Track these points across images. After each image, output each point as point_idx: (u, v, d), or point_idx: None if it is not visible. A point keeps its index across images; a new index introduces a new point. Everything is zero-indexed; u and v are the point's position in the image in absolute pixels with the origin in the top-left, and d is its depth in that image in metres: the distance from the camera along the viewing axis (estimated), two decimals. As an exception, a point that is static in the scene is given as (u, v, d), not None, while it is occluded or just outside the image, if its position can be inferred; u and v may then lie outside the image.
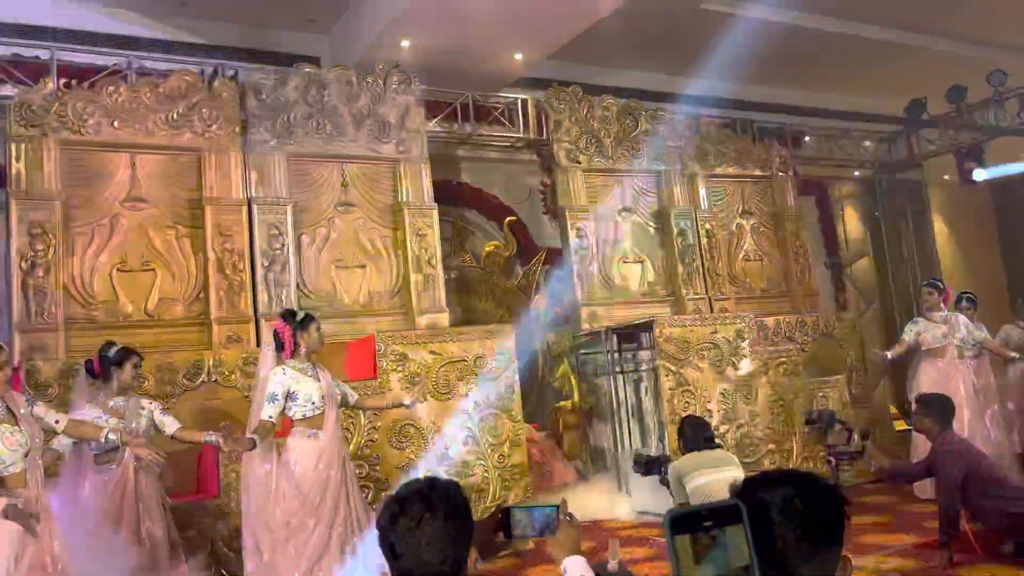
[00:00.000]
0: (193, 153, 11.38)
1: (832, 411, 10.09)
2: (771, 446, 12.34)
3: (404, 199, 12.43)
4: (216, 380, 10.19)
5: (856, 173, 17.77)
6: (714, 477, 8.04)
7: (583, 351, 14.30)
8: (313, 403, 8.05)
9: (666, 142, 15.09)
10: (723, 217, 15.56)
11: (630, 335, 13.39)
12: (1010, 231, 18.22)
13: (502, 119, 14.81)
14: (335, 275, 12.10)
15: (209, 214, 11.30)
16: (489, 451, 10.98)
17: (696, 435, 8.57)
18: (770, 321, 13.69)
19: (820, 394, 13.18)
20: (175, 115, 11.26)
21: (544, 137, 14.60)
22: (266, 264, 11.45)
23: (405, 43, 13.69)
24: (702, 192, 15.44)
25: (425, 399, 10.57)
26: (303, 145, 11.92)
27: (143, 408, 8.42)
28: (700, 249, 15.11)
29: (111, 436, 7.33)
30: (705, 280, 15.05)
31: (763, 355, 12.79)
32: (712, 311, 14.27)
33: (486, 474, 10.68)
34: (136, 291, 10.96)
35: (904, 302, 17.17)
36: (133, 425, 8.26)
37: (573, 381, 14.72)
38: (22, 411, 6.62)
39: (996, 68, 16.53)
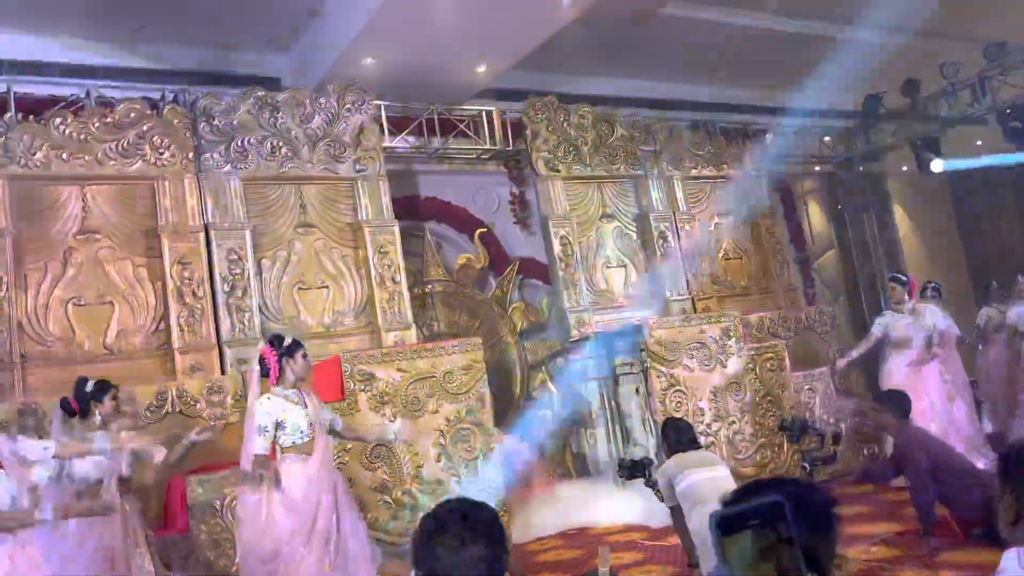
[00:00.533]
0: (146, 182, 10.35)
1: (804, 418, 9.44)
2: (762, 441, 11.40)
3: (364, 217, 11.40)
4: (181, 411, 9.31)
5: (817, 168, 16.02)
6: (703, 476, 7.31)
7: (562, 358, 13.60)
8: (301, 431, 7.27)
9: (641, 147, 14.36)
10: (701, 218, 14.75)
11: (618, 339, 12.30)
12: (968, 218, 16.75)
13: (468, 131, 13.91)
14: (298, 297, 11.03)
15: (166, 242, 10.24)
16: (463, 467, 9.91)
17: (680, 437, 7.85)
18: (754, 318, 13.15)
19: (807, 387, 12.29)
20: (125, 144, 10.21)
21: (511, 147, 13.98)
22: (227, 290, 10.39)
23: (368, 60, 12.65)
24: (679, 195, 14.58)
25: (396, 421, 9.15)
26: (258, 168, 10.86)
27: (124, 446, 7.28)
28: (681, 251, 14.24)
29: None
30: (688, 281, 14.21)
31: (750, 352, 11.88)
32: (696, 311, 13.54)
33: (461, 490, 9.54)
34: (93, 325, 9.90)
35: (871, 294, 15.79)
36: (118, 459, 7.35)
37: (554, 390, 13.81)
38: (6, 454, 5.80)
39: (949, 60, 15.73)
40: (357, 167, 11.03)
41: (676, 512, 7.11)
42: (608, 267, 13.82)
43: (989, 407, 12.10)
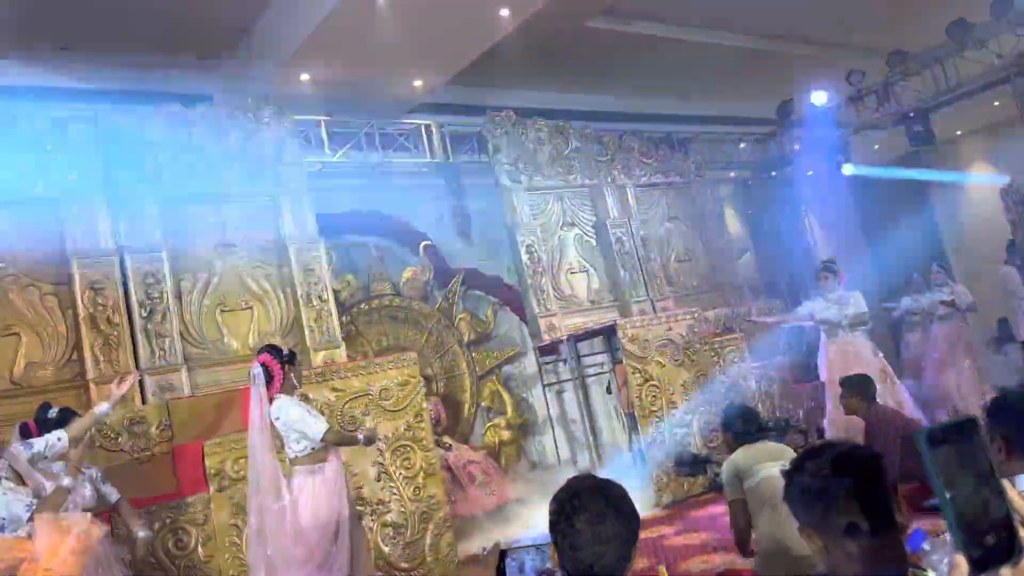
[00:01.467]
0: (51, 205, 8.19)
1: (693, 453, 9.10)
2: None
3: (287, 235, 9.44)
4: (101, 445, 7.27)
5: (732, 174, 13.85)
6: (775, 471, 5.17)
7: (509, 365, 12.38)
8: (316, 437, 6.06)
9: (595, 158, 13.02)
10: (653, 223, 13.53)
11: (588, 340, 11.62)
12: (870, 216, 16.10)
13: (408, 145, 12.17)
14: (221, 320, 8.96)
15: (76, 268, 8.11)
16: (404, 485, 7.95)
17: (747, 427, 5.94)
18: (710, 315, 12.29)
19: (765, 376, 11.26)
20: (27, 164, 8.06)
21: (450, 160, 12.28)
22: (144, 315, 8.33)
23: (304, 76, 10.95)
24: (632, 202, 13.32)
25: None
26: (174, 187, 8.82)
27: (83, 473, 5.89)
28: (637, 255, 12.94)
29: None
30: (645, 283, 12.87)
31: (713, 346, 10.96)
32: (655, 311, 12.27)
33: (403, 508, 7.87)
34: None
35: (791, 292, 13.29)
36: (79, 492, 5.63)
37: (505, 397, 12.07)
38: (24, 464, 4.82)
39: (855, 68, 14.32)
40: (278, 183, 8.61)
41: (738, 506, 5.47)
42: (571, 273, 12.54)
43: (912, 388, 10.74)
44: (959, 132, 16.04)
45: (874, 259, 14.90)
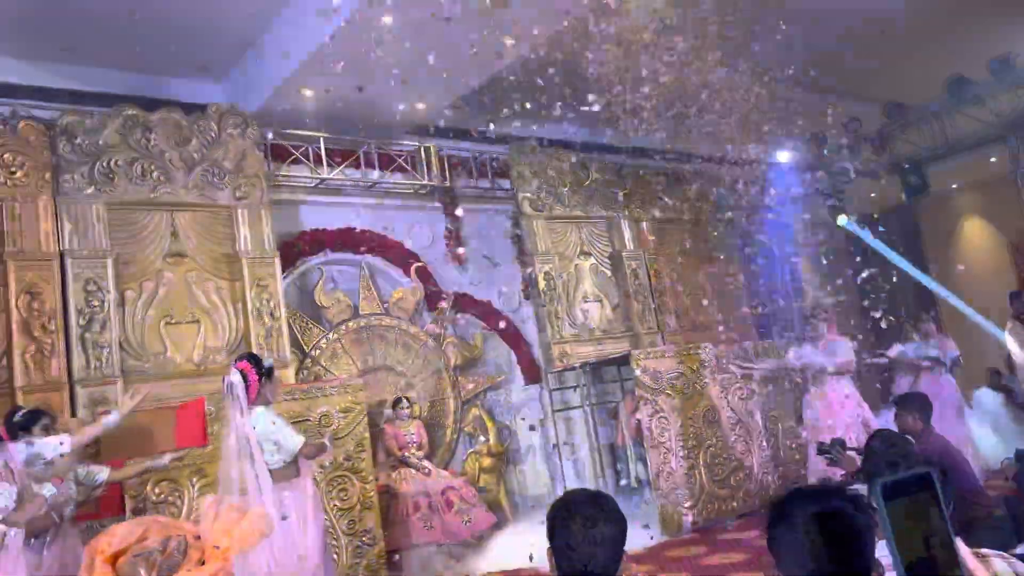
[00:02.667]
0: None
1: (841, 439, 7.05)
2: (735, 464, 9.28)
3: (243, 248, 8.29)
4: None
5: (728, 214, 12.37)
6: None
7: (494, 392, 10.93)
8: (290, 451, 5.33)
9: (613, 190, 11.92)
10: (667, 257, 12.38)
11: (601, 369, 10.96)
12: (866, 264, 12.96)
13: (406, 166, 10.84)
14: (165, 332, 7.76)
15: (12, 269, 6.97)
16: (337, 517, 6.73)
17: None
18: (720, 350, 10.45)
19: (773, 413, 9.94)
20: None
21: (447, 183, 10.92)
22: (82, 323, 7.14)
23: (307, 92, 9.42)
24: (648, 235, 12.27)
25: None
26: (126, 192, 7.72)
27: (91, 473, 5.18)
28: (651, 288, 11.94)
29: None
30: (656, 316, 11.89)
31: (722, 380, 9.70)
32: (665, 344, 11.27)
33: (335, 542, 6.63)
34: None
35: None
36: (64, 491, 4.91)
37: (489, 424, 10.54)
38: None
39: (852, 117, 13.02)
40: (237, 194, 7.31)
41: None
42: (586, 301, 11.53)
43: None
44: (954, 185, 14.66)
45: (865, 305, 13.34)
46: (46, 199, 7.11)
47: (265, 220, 8.30)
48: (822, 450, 7.74)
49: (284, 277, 9.53)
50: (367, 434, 7.17)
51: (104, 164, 7.45)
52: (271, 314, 7.98)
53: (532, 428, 10.70)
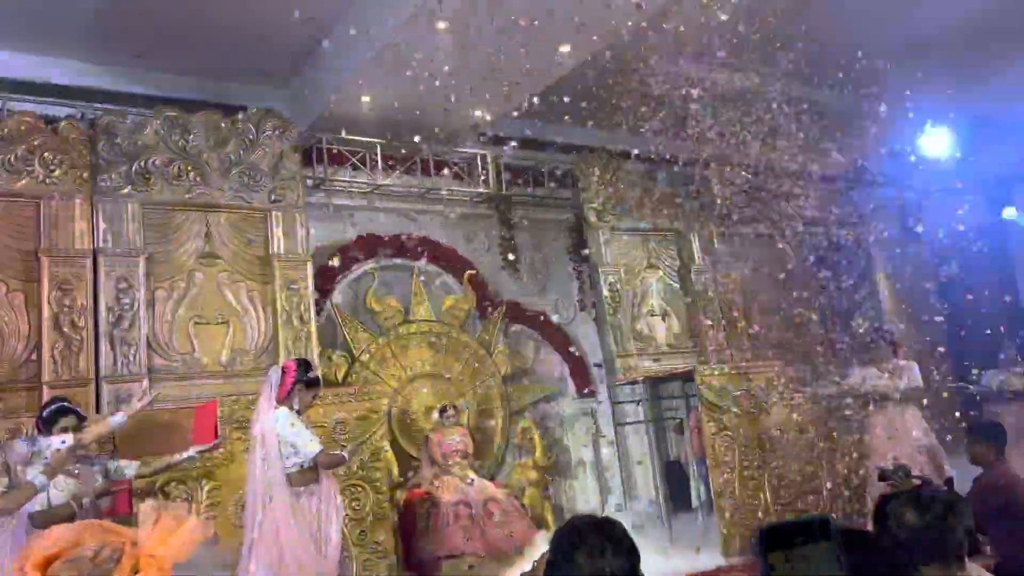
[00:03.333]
0: (31, 200, 7.14)
1: (905, 465, 5.79)
2: (801, 486, 8.90)
3: (276, 251, 8.20)
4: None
5: (800, 228, 11.95)
6: None
7: (545, 405, 10.72)
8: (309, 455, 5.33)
9: (683, 201, 11.67)
10: (738, 272, 12.03)
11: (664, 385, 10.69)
12: (952, 282, 13.32)
13: (462, 173, 10.78)
14: (194, 332, 7.71)
15: (46, 265, 7.03)
16: (348, 527, 6.49)
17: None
18: (790, 370, 10.12)
19: (837, 436, 9.37)
20: (12, 159, 7.07)
21: (504, 191, 10.82)
22: (112, 321, 7.16)
23: (366, 98, 9.33)
24: (718, 249, 11.99)
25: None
26: (162, 192, 7.73)
27: (95, 465, 5.16)
28: (720, 303, 11.63)
29: None
30: (726, 332, 11.50)
31: (790, 400, 9.38)
32: (733, 361, 10.88)
33: (345, 552, 6.37)
34: None
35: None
36: (90, 484, 5.02)
37: (536, 437, 10.08)
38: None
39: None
40: (272, 197, 7.31)
41: None
42: (652, 315, 11.33)
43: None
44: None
45: (951, 330, 12.72)
46: (83, 197, 7.17)
47: (299, 223, 8.24)
48: (884, 476, 7.43)
49: (338, 281, 9.56)
50: (384, 444, 7.06)
51: (141, 164, 7.48)
52: (301, 318, 7.93)
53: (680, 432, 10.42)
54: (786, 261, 12.38)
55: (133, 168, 7.47)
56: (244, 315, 7.85)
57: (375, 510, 6.79)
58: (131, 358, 7.04)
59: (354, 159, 9.80)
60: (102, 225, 7.20)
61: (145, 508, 3.62)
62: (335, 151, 9.66)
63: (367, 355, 9.50)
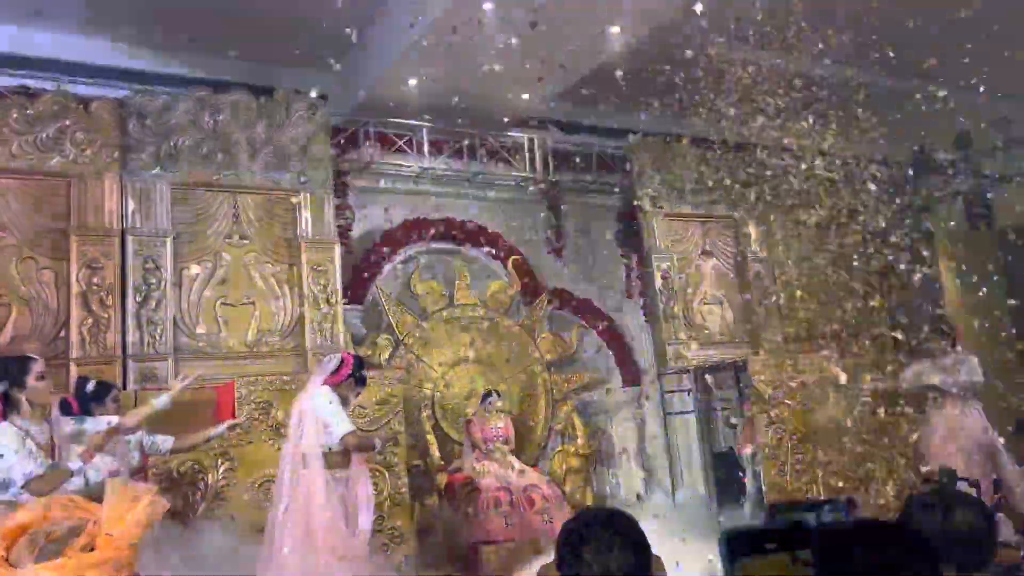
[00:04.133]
0: (61, 179, 7.10)
1: (950, 469, 6.50)
2: (857, 482, 8.24)
3: (303, 232, 8.00)
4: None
5: (862, 218, 11.36)
6: None
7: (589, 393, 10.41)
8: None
9: (741, 187, 10.79)
10: (797, 261, 11.24)
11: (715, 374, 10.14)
12: (1019, 273, 12.51)
13: (509, 158, 10.48)
14: (220, 312, 7.58)
15: (75, 244, 6.99)
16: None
17: None
18: (848, 363, 9.43)
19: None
20: (44, 137, 7.02)
21: (551, 176, 10.48)
22: (139, 300, 7.09)
23: (412, 81, 9.28)
24: (777, 236, 11.19)
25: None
26: (191, 173, 7.59)
27: (129, 440, 5.17)
28: (777, 293, 11.06)
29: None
30: (781, 322, 10.93)
31: (847, 394, 8.72)
32: (789, 353, 10.07)
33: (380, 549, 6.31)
34: None
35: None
36: (126, 461, 5.06)
37: (578, 424, 9.87)
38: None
39: (1001, 115, 11.46)
40: (301, 179, 7.14)
41: None
42: (705, 303, 10.88)
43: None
44: None
45: (1018, 325, 12.05)
46: (112, 177, 7.11)
47: (328, 205, 8.07)
48: (927, 479, 6.93)
49: (383, 265, 9.41)
50: (402, 429, 6.87)
51: (171, 145, 7.39)
52: (327, 300, 7.76)
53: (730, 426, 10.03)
54: (845, 249, 11.93)
55: (163, 148, 7.38)
56: (270, 296, 7.70)
57: (393, 496, 6.60)
58: (157, 337, 6.96)
59: (400, 142, 9.62)
60: (131, 204, 7.13)
61: (111, 485, 3.53)
62: (381, 134, 9.47)
63: (411, 339, 9.37)
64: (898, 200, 12.52)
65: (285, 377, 6.56)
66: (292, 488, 5.08)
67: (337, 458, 5.19)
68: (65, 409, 5.17)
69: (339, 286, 7.91)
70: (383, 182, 9.56)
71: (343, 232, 8.94)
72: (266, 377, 6.52)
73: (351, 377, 5.36)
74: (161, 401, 5.05)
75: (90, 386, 5.40)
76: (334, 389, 5.28)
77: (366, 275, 9.17)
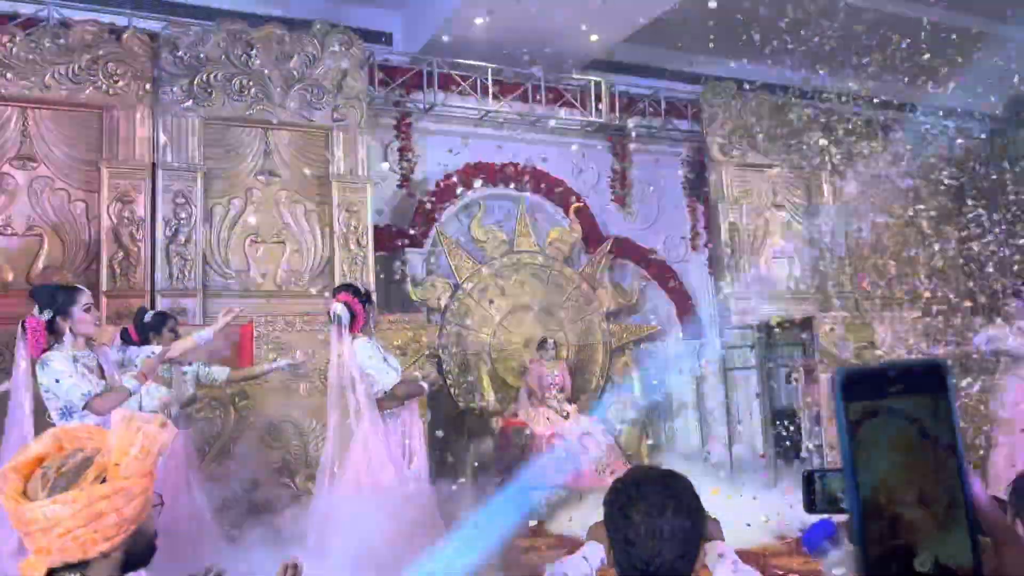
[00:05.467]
0: (94, 111, 6.66)
1: None
2: None
3: (336, 171, 7.36)
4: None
5: (944, 172, 10.17)
6: None
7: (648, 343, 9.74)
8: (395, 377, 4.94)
9: (815, 139, 9.99)
10: (870, 216, 10.27)
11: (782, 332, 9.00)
12: None
13: (574, 102, 9.66)
14: (249, 251, 7.09)
15: (106, 176, 6.53)
16: None
17: None
18: (919, 323, 8.82)
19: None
20: (76, 68, 6.54)
21: (617, 121, 9.60)
22: (169, 234, 6.68)
23: (479, 20, 8.50)
24: (850, 190, 10.19)
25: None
26: (223, 107, 7.03)
27: (185, 371, 5.07)
28: (848, 248, 10.12)
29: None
30: (852, 280, 9.98)
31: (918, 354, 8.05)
32: (859, 310, 9.53)
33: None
34: (17, 258, 6.30)
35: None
36: (181, 392, 5.02)
37: (636, 376, 9.45)
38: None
39: None
40: (335, 116, 6.58)
41: None
42: (774, 257, 9.91)
43: None
44: None
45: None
46: (144, 110, 6.66)
47: (361, 144, 7.41)
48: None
49: (444, 207, 9.02)
50: (419, 375, 6.32)
51: (203, 78, 6.86)
52: (358, 242, 7.18)
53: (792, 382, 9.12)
54: (920, 204, 10.84)
55: (194, 82, 6.86)
56: (301, 235, 7.20)
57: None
58: (186, 273, 6.56)
59: (464, 84, 8.96)
60: (162, 138, 6.66)
61: (118, 416, 3.25)
62: (445, 75, 8.81)
63: (470, 284, 8.90)
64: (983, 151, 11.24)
65: (305, 318, 6.12)
66: (342, 440, 4.81)
67: (389, 402, 4.97)
68: (125, 338, 5.06)
69: (370, 227, 7.34)
70: (447, 124, 8.95)
71: (405, 175, 8.54)
72: (289, 317, 6.10)
73: (366, 304, 5.00)
74: (204, 336, 4.81)
75: (148, 316, 5.20)
76: (364, 329, 4.96)
77: (428, 218, 8.66)
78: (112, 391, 3.92)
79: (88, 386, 3.80)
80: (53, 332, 3.94)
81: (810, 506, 1.99)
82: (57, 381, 3.80)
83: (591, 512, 6.47)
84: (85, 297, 4.07)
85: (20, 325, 3.94)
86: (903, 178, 10.52)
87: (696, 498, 1.94)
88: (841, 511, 1.99)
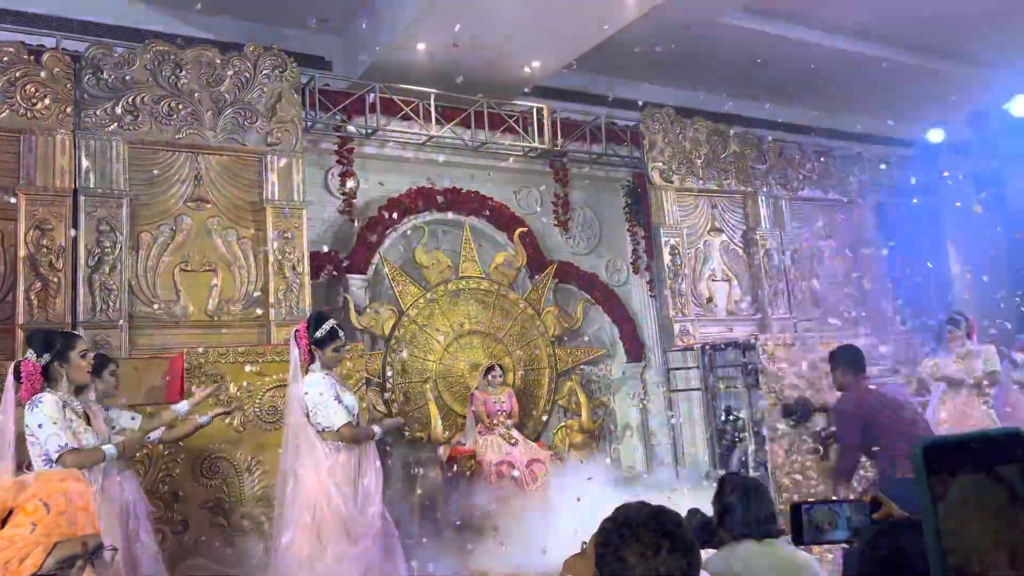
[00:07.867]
0: (11, 135, 5.88)
1: (807, 398, 6.62)
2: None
3: (269, 196, 6.70)
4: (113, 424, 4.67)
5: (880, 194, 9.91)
6: None
7: (593, 367, 9.32)
8: (354, 412, 4.50)
9: (752, 164, 9.72)
10: (806, 239, 10.09)
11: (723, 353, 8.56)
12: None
13: (516, 127, 9.04)
14: (179, 279, 6.38)
15: (23, 203, 5.79)
16: None
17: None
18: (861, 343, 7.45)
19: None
20: None
21: (559, 147, 9.07)
22: (92, 264, 5.91)
23: (420, 46, 8.16)
24: (787, 214, 10.02)
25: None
26: (150, 131, 6.35)
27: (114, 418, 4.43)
28: (785, 271, 9.74)
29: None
30: (790, 301, 9.66)
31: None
32: (796, 331, 9.20)
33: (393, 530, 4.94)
34: None
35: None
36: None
37: (582, 399, 8.83)
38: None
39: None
40: (268, 140, 5.72)
41: None
42: (713, 280, 9.53)
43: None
44: None
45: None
46: (65, 133, 5.92)
47: (296, 169, 6.72)
48: (787, 412, 6.63)
49: (387, 233, 8.39)
50: (363, 405, 5.68)
51: (129, 101, 6.15)
52: (293, 268, 6.48)
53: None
54: (857, 229, 10.54)
55: (120, 104, 6.15)
56: (234, 263, 6.48)
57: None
58: (111, 303, 5.81)
59: (407, 109, 8.31)
60: (84, 163, 5.91)
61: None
62: (388, 100, 8.17)
63: (414, 310, 8.28)
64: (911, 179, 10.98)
65: (240, 350, 5.45)
66: (295, 475, 4.32)
67: (334, 438, 4.42)
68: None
69: (306, 253, 6.65)
70: (388, 149, 8.37)
71: (347, 199, 7.88)
72: (220, 349, 5.41)
73: (310, 344, 4.47)
74: (180, 408, 4.46)
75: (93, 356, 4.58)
76: (322, 360, 4.48)
77: (370, 244, 8.05)
78: (87, 451, 3.68)
79: (66, 439, 3.58)
80: (48, 377, 3.73)
81: (798, 537, 1.77)
82: (40, 426, 3.60)
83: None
84: (82, 343, 3.92)
85: (13, 368, 3.76)
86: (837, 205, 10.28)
87: (689, 535, 1.80)
88: (828, 542, 1.70)
